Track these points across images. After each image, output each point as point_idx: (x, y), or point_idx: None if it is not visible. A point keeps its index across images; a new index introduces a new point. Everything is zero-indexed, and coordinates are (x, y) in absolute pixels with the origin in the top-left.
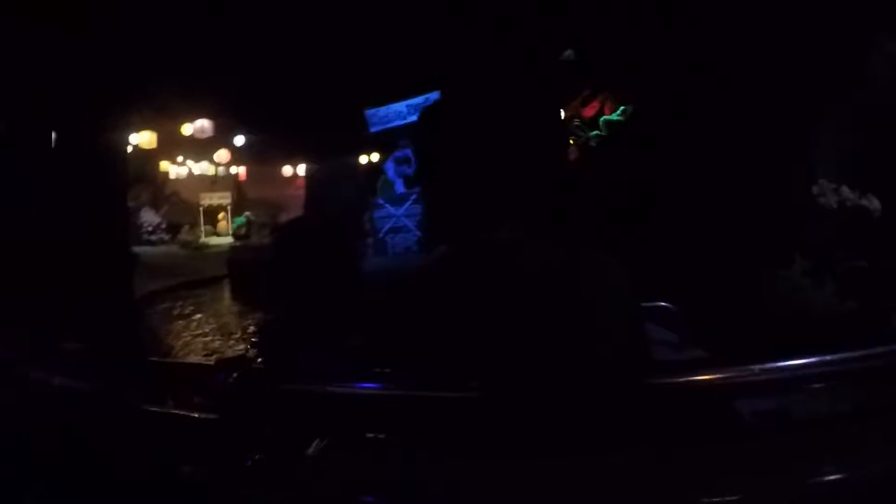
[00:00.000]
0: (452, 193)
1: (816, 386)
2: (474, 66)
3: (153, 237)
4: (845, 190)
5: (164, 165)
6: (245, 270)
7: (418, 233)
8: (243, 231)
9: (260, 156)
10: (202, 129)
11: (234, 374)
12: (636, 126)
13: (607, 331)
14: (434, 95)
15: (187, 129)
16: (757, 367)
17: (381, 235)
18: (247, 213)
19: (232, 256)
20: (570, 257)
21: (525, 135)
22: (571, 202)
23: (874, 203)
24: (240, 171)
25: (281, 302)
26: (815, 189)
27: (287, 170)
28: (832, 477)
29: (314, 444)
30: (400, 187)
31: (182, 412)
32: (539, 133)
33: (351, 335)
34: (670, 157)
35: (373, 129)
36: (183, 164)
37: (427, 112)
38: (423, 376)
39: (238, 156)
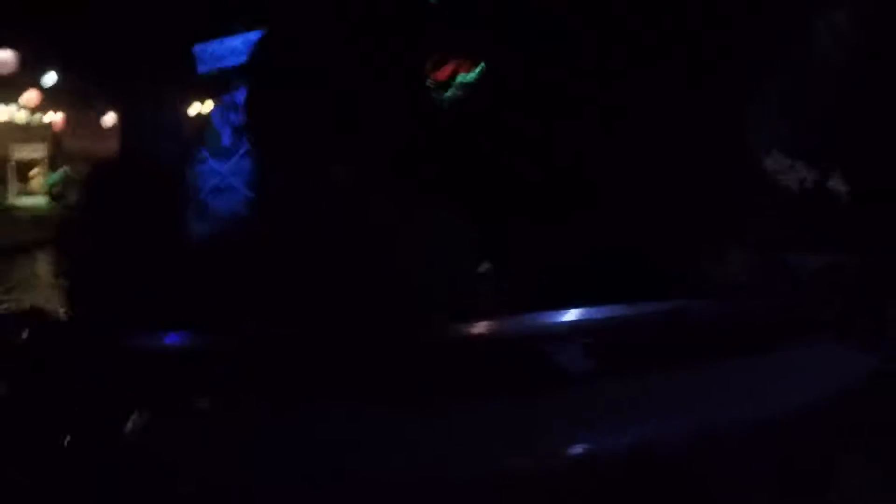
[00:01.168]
0: (279, 134)
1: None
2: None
3: None
4: (801, 168)
5: None
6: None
7: (247, 193)
8: (59, 189)
9: (78, 101)
10: (4, 63)
11: (29, 329)
12: (508, 84)
13: (431, 277)
14: None
15: None
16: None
17: (202, 196)
18: (65, 167)
19: (66, 216)
20: (398, 206)
21: (361, 77)
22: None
23: (840, 186)
24: (55, 118)
25: (89, 262)
26: (769, 163)
27: (111, 118)
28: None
29: (135, 415)
30: (227, 139)
31: None
32: (375, 78)
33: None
34: (558, 117)
35: (203, 69)
36: None
37: (260, 45)
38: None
39: (52, 101)
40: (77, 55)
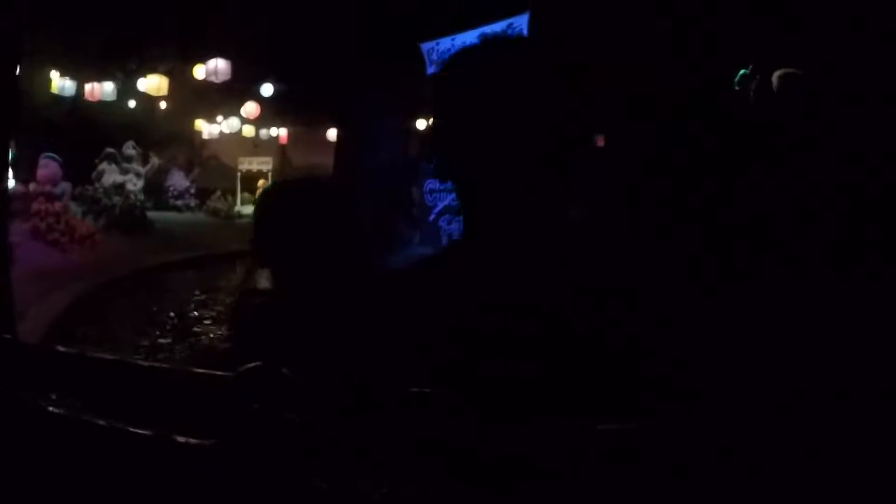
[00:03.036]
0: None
1: None
2: None
3: (179, 202)
4: None
5: (199, 125)
6: None
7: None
8: None
9: (302, 116)
10: (215, 71)
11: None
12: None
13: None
14: (519, 21)
15: (199, 71)
16: None
17: (431, 217)
18: None
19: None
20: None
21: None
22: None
23: None
24: (280, 133)
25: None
26: None
27: (334, 133)
28: None
29: None
30: None
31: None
32: None
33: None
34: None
35: (432, 71)
36: (217, 122)
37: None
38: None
39: (278, 115)
40: (296, 62)
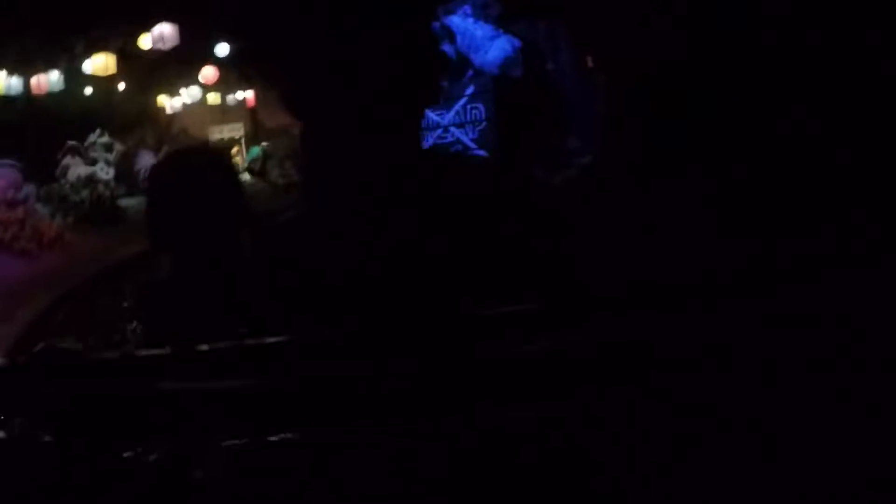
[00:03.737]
0: None
1: None
2: None
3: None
4: None
5: (162, 100)
6: None
7: (481, 153)
8: (258, 166)
9: (266, 75)
10: (162, 38)
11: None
12: None
13: None
14: None
15: (145, 41)
16: None
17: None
18: (263, 143)
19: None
20: None
21: None
22: None
23: None
24: (248, 96)
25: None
26: None
27: None
28: None
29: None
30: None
31: None
32: None
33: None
34: None
35: None
36: (179, 94)
37: None
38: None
39: (242, 78)
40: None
